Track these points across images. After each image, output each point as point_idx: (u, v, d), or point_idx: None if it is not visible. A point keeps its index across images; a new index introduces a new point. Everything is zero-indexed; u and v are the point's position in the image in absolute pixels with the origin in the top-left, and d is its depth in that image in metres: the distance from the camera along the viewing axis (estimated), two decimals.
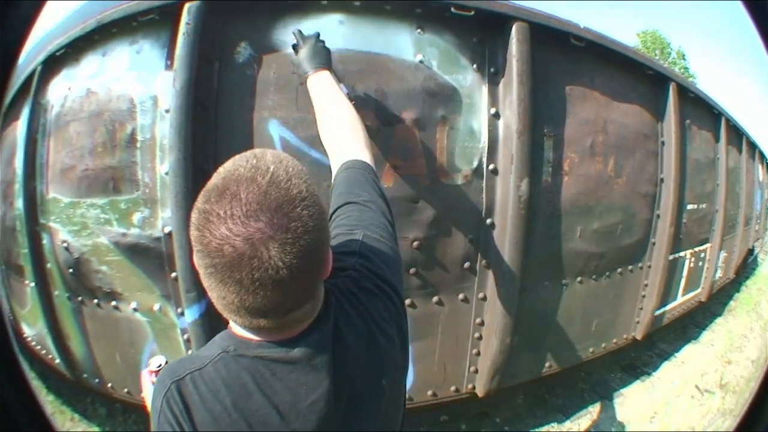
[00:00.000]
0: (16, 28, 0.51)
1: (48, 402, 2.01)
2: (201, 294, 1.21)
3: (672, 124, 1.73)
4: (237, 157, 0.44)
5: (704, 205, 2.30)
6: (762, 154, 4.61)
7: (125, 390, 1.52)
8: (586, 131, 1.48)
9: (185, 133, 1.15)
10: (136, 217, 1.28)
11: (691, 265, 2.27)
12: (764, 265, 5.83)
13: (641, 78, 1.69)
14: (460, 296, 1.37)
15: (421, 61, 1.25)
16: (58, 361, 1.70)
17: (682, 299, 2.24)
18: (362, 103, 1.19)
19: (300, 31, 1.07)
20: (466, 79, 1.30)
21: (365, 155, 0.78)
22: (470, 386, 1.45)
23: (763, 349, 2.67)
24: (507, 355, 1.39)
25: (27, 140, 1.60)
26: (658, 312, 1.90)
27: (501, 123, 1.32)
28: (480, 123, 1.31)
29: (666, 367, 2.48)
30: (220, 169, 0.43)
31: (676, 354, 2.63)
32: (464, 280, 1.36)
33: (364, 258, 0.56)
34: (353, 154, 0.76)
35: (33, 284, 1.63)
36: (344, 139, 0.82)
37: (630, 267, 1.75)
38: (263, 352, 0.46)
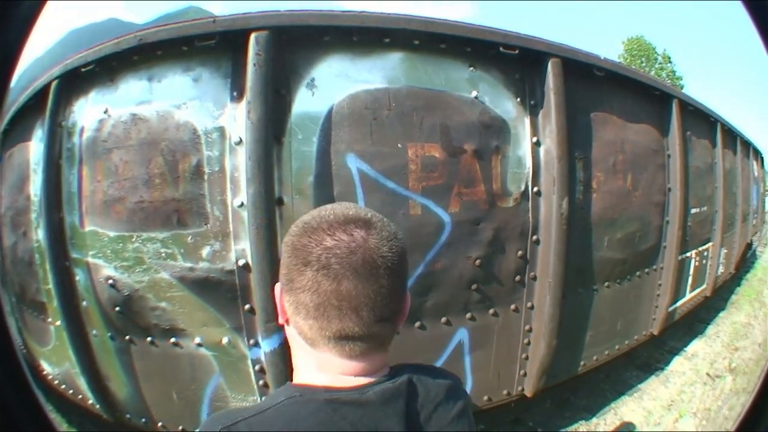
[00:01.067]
0: (16, 28, 0.52)
1: None
2: (280, 326, 1.35)
3: (676, 138, 2.13)
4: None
5: (705, 208, 2.71)
6: (756, 150, 5.11)
7: (180, 428, 1.58)
8: (609, 152, 1.81)
9: (265, 166, 1.28)
10: (206, 251, 1.38)
11: (696, 263, 2.68)
12: (763, 257, 6.44)
13: (649, 99, 2.08)
14: (512, 306, 1.63)
15: (476, 97, 1.48)
16: (92, 401, 1.70)
17: (690, 295, 2.66)
18: (429, 137, 1.41)
19: None
20: (512, 111, 1.56)
21: None
22: (520, 389, 1.71)
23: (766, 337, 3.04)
24: (553, 357, 1.68)
25: (48, 166, 1.59)
26: (671, 308, 2.31)
27: (542, 150, 1.60)
28: (524, 151, 1.58)
29: (677, 361, 2.87)
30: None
31: (685, 349, 3.04)
32: (515, 292, 1.62)
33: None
34: None
35: (60, 323, 1.62)
36: None
37: (647, 270, 2.13)
38: (333, 395, 0.45)
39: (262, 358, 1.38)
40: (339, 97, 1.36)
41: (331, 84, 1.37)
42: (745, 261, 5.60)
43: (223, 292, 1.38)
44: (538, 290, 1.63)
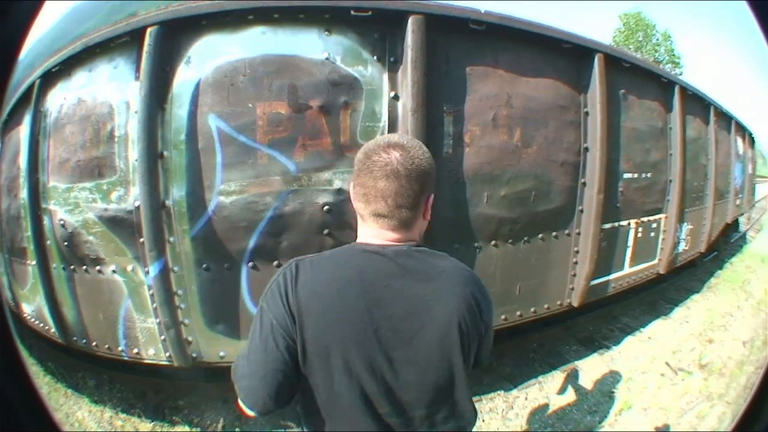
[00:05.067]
0: (16, 26, 0.65)
1: (45, 383, 3.08)
2: (161, 252, 2.14)
3: (597, 94, 2.39)
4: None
5: (649, 174, 2.91)
6: (742, 127, 5.55)
7: (106, 346, 2.49)
8: (488, 106, 2.22)
9: (148, 129, 2.10)
10: (115, 195, 2.26)
11: (640, 234, 2.86)
12: (754, 243, 6.96)
13: (561, 53, 2.39)
14: None
15: (327, 58, 2.10)
16: (54, 330, 2.73)
17: (630, 270, 2.82)
18: (277, 96, 2.07)
19: None
20: (368, 69, 2.12)
21: None
22: None
23: (758, 332, 3.05)
24: None
25: (30, 141, 2.69)
26: (598, 281, 2.51)
27: (400, 104, 2.12)
28: (381, 105, 2.12)
29: (629, 342, 3.06)
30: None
31: (641, 329, 3.24)
32: None
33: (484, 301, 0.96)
34: None
35: (35, 262, 2.68)
36: None
37: (554, 233, 2.41)
38: (368, 248, 0.90)
39: (151, 282, 2.18)
40: (207, 69, 2.13)
41: (203, 59, 2.15)
42: (729, 243, 6.50)
43: (126, 228, 2.24)
44: None
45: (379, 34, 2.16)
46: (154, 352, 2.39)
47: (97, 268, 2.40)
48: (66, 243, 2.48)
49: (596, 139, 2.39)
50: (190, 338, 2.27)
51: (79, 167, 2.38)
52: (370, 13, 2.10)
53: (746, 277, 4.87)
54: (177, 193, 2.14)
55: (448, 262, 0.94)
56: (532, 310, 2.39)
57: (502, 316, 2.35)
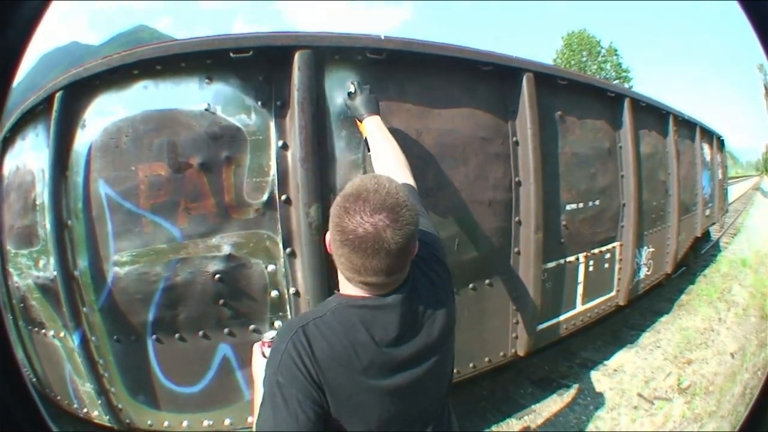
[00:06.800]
0: (20, 29, 0.67)
1: None
2: (78, 323, 2.14)
3: (527, 121, 1.94)
4: (363, 176, 0.96)
5: (597, 202, 2.50)
6: (708, 131, 5.30)
7: (66, 402, 2.60)
8: None
9: (54, 198, 2.10)
10: (42, 263, 2.32)
11: (591, 268, 2.49)
12: (729, 249, 6.61)
13: (479, 76, 1.94)
14: (277, 324, 1.95)
15: (206, 109, 1.91)
16: (34, 380, 2.93)
17: (584, 306, 2.46)
18: (157, 156, 1.92)
19: (358, 82, 1.82)
20: (251, 117, 1.89)
21: (409, 179, 1.43)
22: None
23: (750, 338, 2.75)
24: None
25: None
26: (546, 324, 2.11)
27: (289, 154, 1.86)
28: (269, 157, 1.89)
29: (593, 377, 2.73)
30: (352, 184, 0.91)
31: (605, 362, 2.90)
32: (277, 308, 1.97)
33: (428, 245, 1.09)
34: (400, 178, 1.28)
35: (10, 317, 2.89)
36: (391, 167, 1.48)
37: (487, 281, 2.01)
38: (367, 302, 0.92)
39: (77, 350, 2.20)
40: (97, 132, 2.06)
41: (95, 122, 2.10)
42: (699, 256, 6.33)
43: (52, 295, 2.30)
44: (302, 307, 1.90)
45: (264, 76, 1.92)
46: (98, 414, 2.44)
47: (43, 331, 2.50)
48: (21, 305, 2.63)
49: (529, 171, 1.98)
50: (120, 405, 2.28)
51: (18, 234, 2.50)
52: (250, 53, 1.86)
53: (725, 286, 4.52)
54: (82, 263, 2.13)
55: (426, 284, 1.01)
56: (471, 365, 2.06)
57: None
